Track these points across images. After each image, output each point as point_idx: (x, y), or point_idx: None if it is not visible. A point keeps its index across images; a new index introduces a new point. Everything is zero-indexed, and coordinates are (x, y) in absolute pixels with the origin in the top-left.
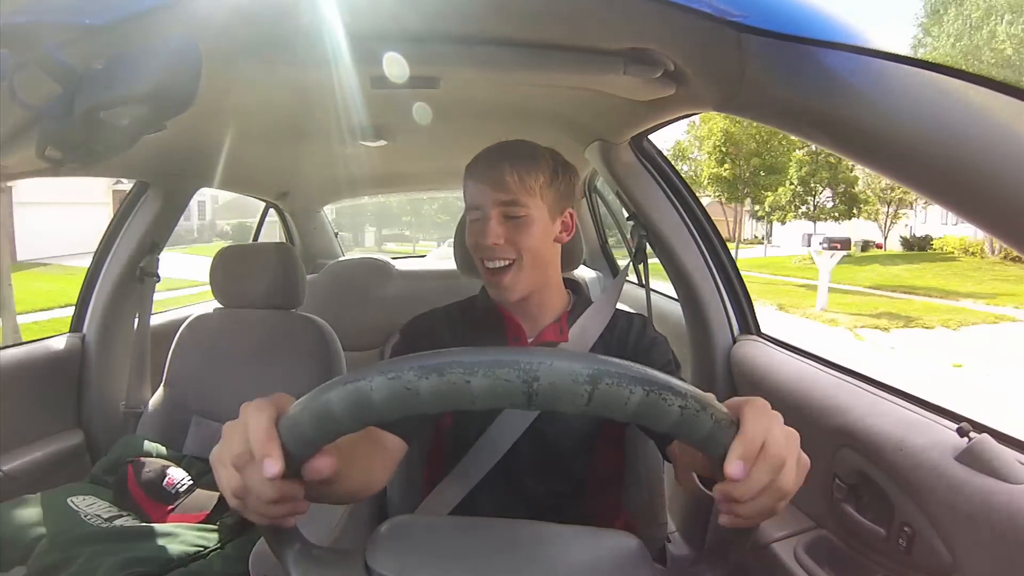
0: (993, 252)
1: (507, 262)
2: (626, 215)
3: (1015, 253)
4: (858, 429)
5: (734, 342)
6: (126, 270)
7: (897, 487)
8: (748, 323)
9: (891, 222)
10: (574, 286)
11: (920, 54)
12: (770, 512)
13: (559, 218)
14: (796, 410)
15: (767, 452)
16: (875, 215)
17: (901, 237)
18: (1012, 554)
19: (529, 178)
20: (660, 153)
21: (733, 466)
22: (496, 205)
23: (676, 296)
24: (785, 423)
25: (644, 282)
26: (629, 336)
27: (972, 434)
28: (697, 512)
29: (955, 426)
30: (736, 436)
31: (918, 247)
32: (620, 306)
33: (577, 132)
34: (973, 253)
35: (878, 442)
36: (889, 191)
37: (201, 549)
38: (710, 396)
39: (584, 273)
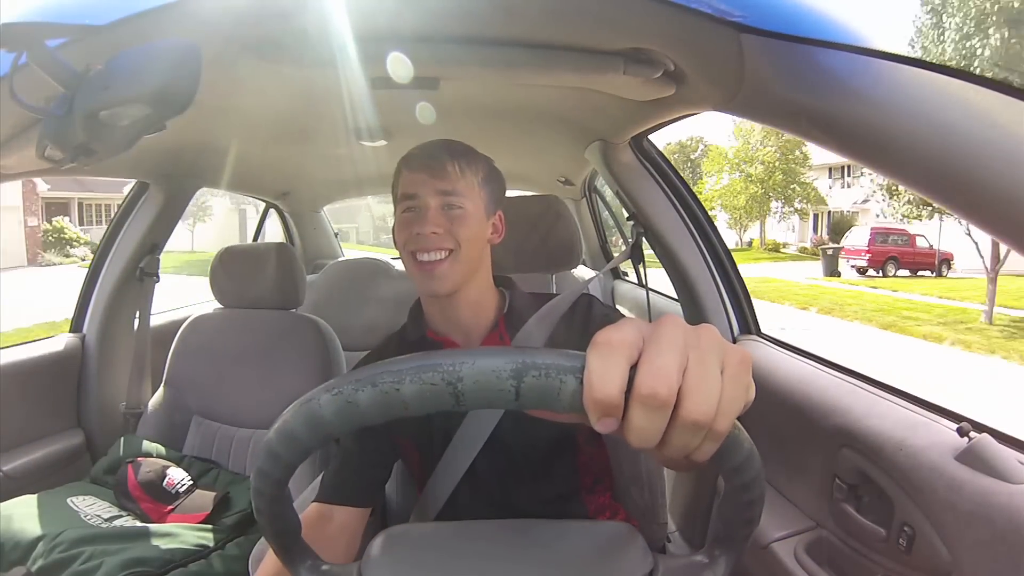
0: (762, 245)
1: (445, 253)
2: (626, 215)
3: (771, 244)
4: (858, 429)
5: (734, 342)
6: (126, 270)
7: (897, 487)
8: (748, 323)
9: (743, 231)
10: (505, 283)
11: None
12: (700, 444)
13: (491, 219)
14: (796, 410)
15: (638, 392)
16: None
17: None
18: (1012, 554)
19: (469, 171)
20: (660, 153)
21: (596, 425)
22: (435, 194)
23: (676, 296)
24: (785, 423)
25: (644, 282)
26: (573, 323)
27: (972, 434)
28: (697, 512)
29: (955, 426)
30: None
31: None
32: (620, 309)
33: (577, 132)
34: (769, 248)
35: (878, 442)
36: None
37: (201, 549)
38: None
39: (584, 273)
